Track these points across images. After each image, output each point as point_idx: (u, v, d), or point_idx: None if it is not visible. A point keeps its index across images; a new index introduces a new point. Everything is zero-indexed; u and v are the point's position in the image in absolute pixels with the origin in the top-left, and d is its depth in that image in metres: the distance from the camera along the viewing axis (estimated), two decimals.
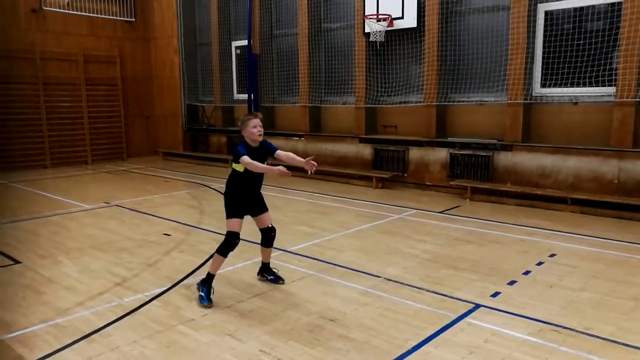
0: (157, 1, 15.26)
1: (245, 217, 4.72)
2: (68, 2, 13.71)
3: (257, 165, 4.43)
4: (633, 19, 7.48)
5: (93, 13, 14.17)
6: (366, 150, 10.94)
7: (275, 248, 6.04)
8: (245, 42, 13.43)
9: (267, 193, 9.75)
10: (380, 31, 10.02)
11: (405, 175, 10.31)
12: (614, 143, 7.87)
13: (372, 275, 5.24)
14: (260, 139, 4.58)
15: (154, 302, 4.59)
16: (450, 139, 9.74)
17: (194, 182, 11.19)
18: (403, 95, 10.45)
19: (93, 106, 14.30)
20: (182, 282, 5.06)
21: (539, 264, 5.57)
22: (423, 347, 3.71)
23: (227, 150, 14.15)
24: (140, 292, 4.82)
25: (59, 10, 13.57)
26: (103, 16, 14.40)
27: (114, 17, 14.67)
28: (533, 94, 8.82)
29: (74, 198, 9.39)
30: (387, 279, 5.12)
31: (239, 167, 4.54)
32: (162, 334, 3.96)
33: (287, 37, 12.65)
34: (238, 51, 14.10)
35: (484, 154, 9.19)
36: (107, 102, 14.66)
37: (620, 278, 5.11)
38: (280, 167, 4.26)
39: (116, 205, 8.77)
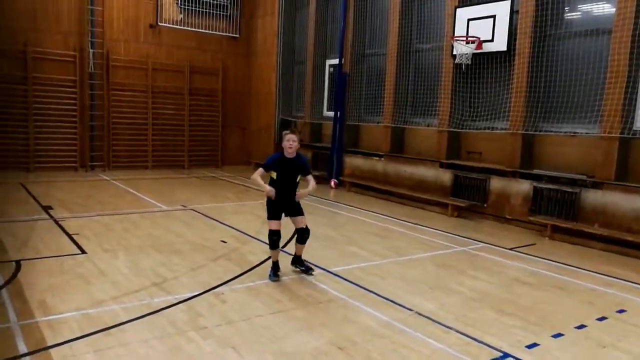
0: (261, 19, 16.04)
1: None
2: (181, 19, 14.90)
3: (254, 177, 5.52)
4: None
5: (202, 29, 15.24)
6: (446, 176, 10.49)
7: (316, 266, 6.05)
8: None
9: (332, 210, 9.83)
10: (466, 54, 9.61)
11: (485, 205, 9.72)
12: None
13: (404, 307, 4.97)
14: (291, 151, 5.40)
15: (179, 305, 4.75)
16: (535, 171, 9.02)
17: None
18: (488, 121, 9.90)
19: (194, 115, 15.33)
20: (214, 290, 5.19)
21: (601, 319, 4.92)
22: None
23: (312, 165, 14.37)
24: (171, 294, 5.02)
25: (173, 25, 14.79)
26: (211, 32, 15.44)
27: (221, 33, 15.66)
28: (634, 128, 7.88)
29: (158, 199, 10.09)
30: (418, 313, 4.82)
31: (272, 175, 5.51)
32: (172, 337, 4.08)
33: (377, 56, 12.62)
34: (331, 69, 14.31)
35: (571, 190, 8.37)
36: (207, 112, 15.63)
37: None
38: (268, 190, 5.38)
39: (191, 209, 9.27)
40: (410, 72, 11.66)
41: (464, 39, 9.77)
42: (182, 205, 9.58)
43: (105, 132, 14.00)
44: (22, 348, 3.79)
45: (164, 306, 4.69)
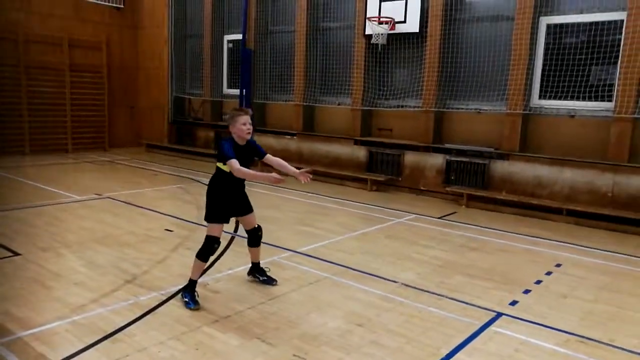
0: None
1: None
2: None
3: (246, 172, 4.24)
4: (635, 36, 7.68)
5: None
6: (361, 152, 10.93)
7: (283, 248, 6.01)
8: (238, 36, 13.26)
9: (259, 191, 9.74)
10: (382, 34, 10.01)
11: (400, 179, 10.35)
12: (611, 157, 8.07)
13: (388, 280, 5.22)
14: (249, 137, 4.37)
15: (171, 301, 4.45)
16: (447, 145, 9.82)
17: (184, 177, 10.95)
18: (401, 99, 10.48)
19: (76, 93, 13.81)
20: (198, 281, 4.91)
21: (548, 273, 5.66)
22: (456, 355, 3.71)
23: (215, 145, 13.91)
24: (154, 290, 4.66)
25: None
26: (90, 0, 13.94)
27: (102, 2, 14.21)
28: (531, 105, 8.97)
29: (62, 188, 9.04)
30: (405, 285, 5.10)
31: (225, 168, 4.31)
32: (187, 335, 3.83)
33: (283, 34, 12.52)
34: (230, 45, 13.88)
35: (481, 161, 9.30)
36: (92, 89, 14.18)
37: (629, 291, 5.23)
38: (274, 175, 4.08)
39: (108, 198, 8.49)
40: (319, 50, 11.78)
41: (377, 19, 10.14)
42: (96, 194, 8.72)
43: None
44: None
45: (155, 304, 4.35)
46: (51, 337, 3.71)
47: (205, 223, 4.53)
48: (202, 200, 8.59)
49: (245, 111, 4.39)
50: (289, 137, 12.15)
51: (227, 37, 13.90)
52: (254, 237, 4.78)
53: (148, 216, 7.45)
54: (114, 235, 6.34)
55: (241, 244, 6.19)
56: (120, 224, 6.92)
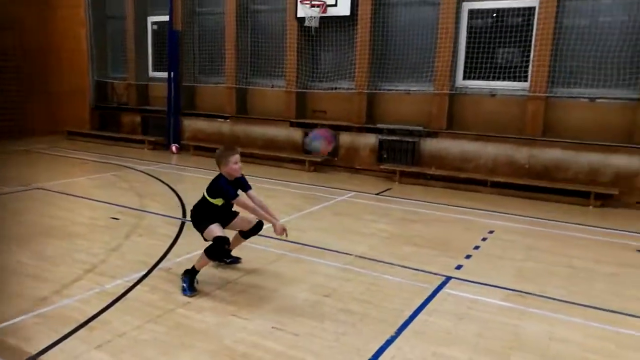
0: None
1: None
2: None
3: (254, 209, 4.44)
4: (546, 22, 8.46)
5: None
6: (297, 134, 11.12)
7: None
8: (161, 18, 12.89)
9: (197, 175, 9.65)
10: (314, 17, 10.20)
11: (336, 159, 10.69)
12: (527, 132, 8.88)
13: (343, 253, 5.53)
14: (240, 174, 4.55)
15: (138, 287, 4.46)
16: (379, 125, 10.27)
17: (115, 164, 10.58)
18: (334, 81, 10.77)
19: None
20: (159, 266, 4.95)
21: (484, 239, 6.25)
22: (419, 316, 4.09)
23: (142, 130, 13.51)
24: (118, 277, 4.64)
25: None
26: None
27: None
28: (456, 85, 9.61)
29: None
30: (359, 256, 5.44)
31: (216, 201, 4.47)
32: (163, 317, 3.91)
33: (211, 15, 12.33)
34: (155, 27, 13.44)
35: (411, 140, 9.84)
36: (3, 74, 13.17)
37: (550, 249, 5.93)
38: (282, 226, 4.45)
39: (38, 189, 8.09)
40: (249, 32, 11.75)
41: (309, 2, 10.30)
42: (21, 185, 8.26)
43: None
44: None
45: (123, 291, 4.36)
46: (20, 330, 3.64)
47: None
48: (140, 187, 8.54)
49: (235, 149, 4.50)
50: (222, 120, 12.08)
51: (150, 19, 13.43)
52: (255, 230, 4.83)
53: (89, 205, 7.24)
54: (58, 227, 6.12)
55: (191, 228, 6.24)
56: (61, 214, 6.67)
